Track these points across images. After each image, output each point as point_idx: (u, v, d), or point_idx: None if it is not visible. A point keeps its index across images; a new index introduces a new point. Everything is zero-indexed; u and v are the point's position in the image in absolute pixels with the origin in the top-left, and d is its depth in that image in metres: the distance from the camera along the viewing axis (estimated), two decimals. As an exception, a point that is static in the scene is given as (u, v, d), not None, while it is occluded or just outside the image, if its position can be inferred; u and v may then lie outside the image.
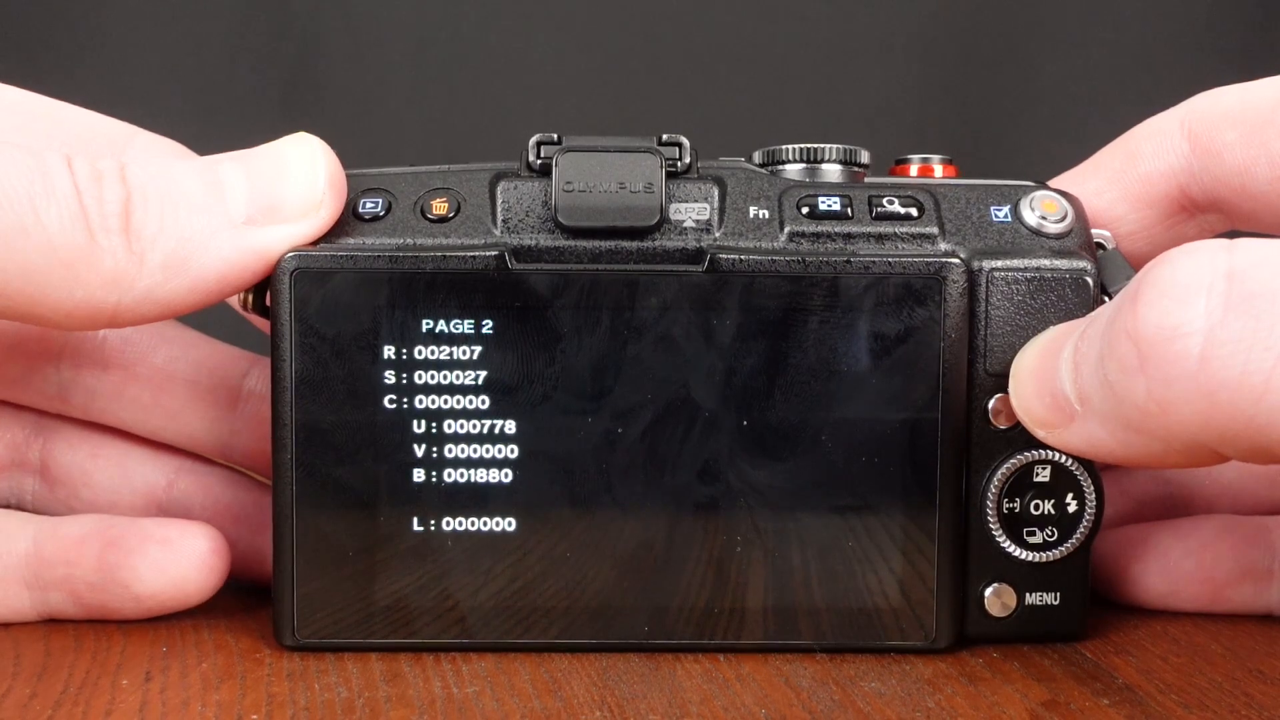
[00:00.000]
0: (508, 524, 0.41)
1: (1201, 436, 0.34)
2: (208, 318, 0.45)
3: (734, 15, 0.94)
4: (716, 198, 0.42)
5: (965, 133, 0.95)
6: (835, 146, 0.44)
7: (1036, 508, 0.42)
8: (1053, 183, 0.45)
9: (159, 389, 0.46)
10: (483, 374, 0.41)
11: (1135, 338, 0.34)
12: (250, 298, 0.42)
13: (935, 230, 0.42)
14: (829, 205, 0.42)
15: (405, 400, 0.41)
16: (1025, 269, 0.41)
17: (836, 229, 0.42)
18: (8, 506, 0.47)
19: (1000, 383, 0.41)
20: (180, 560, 0.43)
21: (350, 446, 0.41)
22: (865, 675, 0.41)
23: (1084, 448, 0.37)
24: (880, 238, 0.42)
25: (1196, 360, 0.33)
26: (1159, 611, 0.46)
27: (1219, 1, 0.95)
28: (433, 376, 0.41)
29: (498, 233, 0.42)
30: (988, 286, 0.41)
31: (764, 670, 0.41)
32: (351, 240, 0.41)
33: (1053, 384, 0.37)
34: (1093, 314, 0.37)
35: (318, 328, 0.41)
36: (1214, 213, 0.45)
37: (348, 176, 0.42)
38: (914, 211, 0.42)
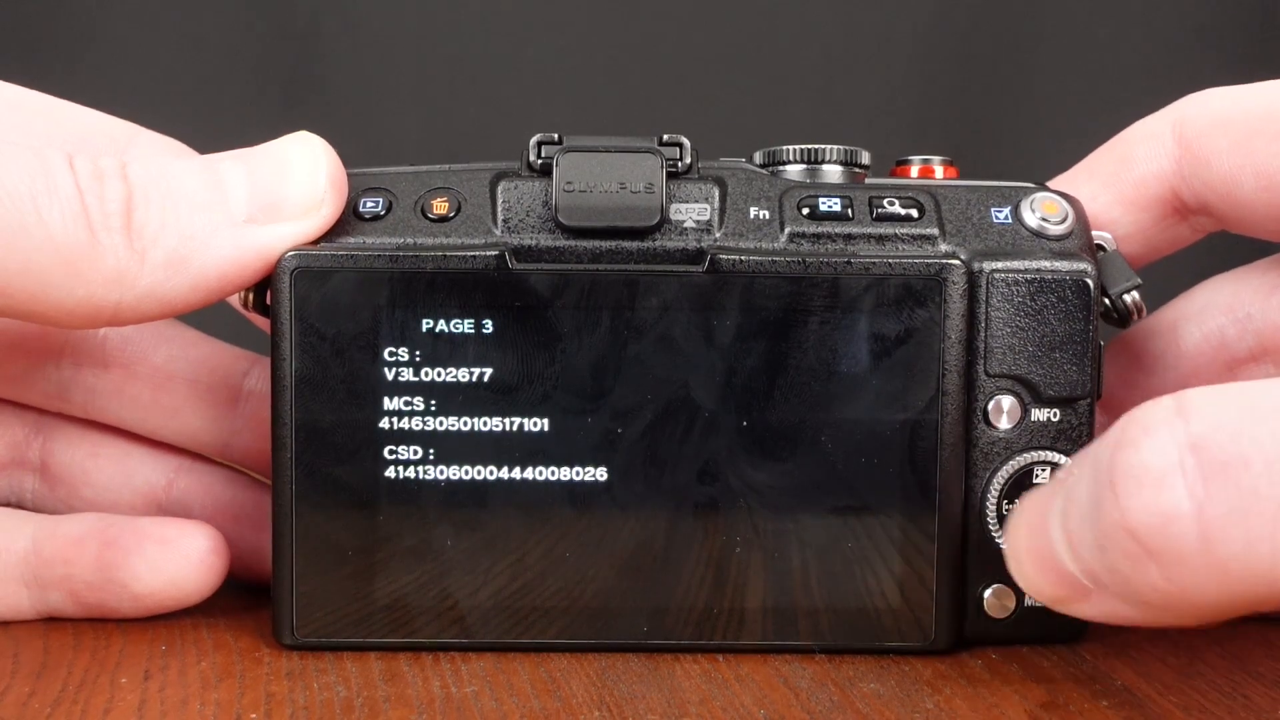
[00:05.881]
0: (508, 524, 0.41)
1: (1227, 605, 0.34)
2: (208, 317, 0.45)
3: (734, 15, 0.94)
4: (717, 198, 0.42)
5: (965, 133, 0.95)
6: (836, 147, 0.44)
7: (1036, 509, 0.42)
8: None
9: (159, 388, 0.46)
10: (483, 374, 0.41)
11: (1130, 530, 0.33)
12: (251, 296, 0.42)
13: (936, 231, 0.42)
14: (829, 206, 0.42)
15: (405, 400, 0.41)
16: (1025, 270, 0.41)
17: (837, 230, 0.42)
18: (7, 505, 0.47)
19: (1000, 384, 0.41)
20: (179, 560, 0.43)
21: (350, 446, 0.41)
22: (864, 676, 0.41)
23: (1108, 620, 0.36)
24: (881, 239, 0.42)
25: (1198, 541, 0.33)
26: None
27: (1218, 2, 0.95)
28: (432, 376, 0.41)
29: (498, 232, 0.42)
30: (988, 288, 0.41)
31: (763, 671, 0.41)
32: (352, 239, 0.41)
33: (1056, 565, 0.36)
34: (1064, 480, 0.36)
35: (318, 327, 0.41)
36: (1204, 215, 0.45)
37: (348, 176, 0.42)
38: (914, 213, 0.42)
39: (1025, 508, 0.38)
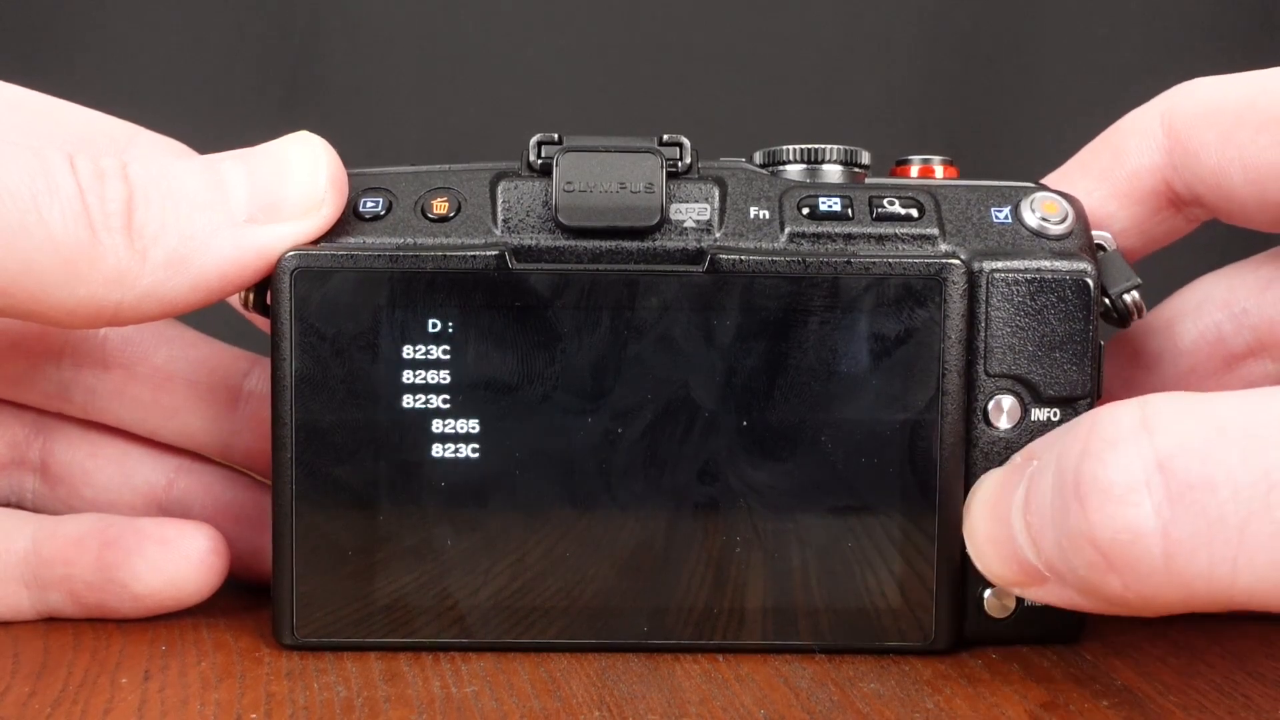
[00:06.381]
0: (507, 524, 0.41)
1: (1183, 610, 0.34)
2: (208, 318, 0.45)
3: (734, 15, 0.94)
4: (717, 198, 0.42)
5: (965, 133, 0.95)
6: (836, 147, 0.44)
7: (1036, 509, 0.42)
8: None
9: (159, 388, 0.46)
10: (483, 374, 0.41)
11: (1095, 543, 0.34)
12: (251, 296, 0.42)
13: (936, 231, 0.42)
14: (829, 206, 0.42)
15: (405, 399, 0.41)
16: (1025, 270, 0.41)
17: (837, 230, 0.42)
18: (7, 505, 0.47)
19: (1000, 383, 0.41)
20: (179, 560, 0.43)
21: (350, 446, 0.41)
22: (864, 676, 0.41)
23: (1061, 605, 0.37)
24: (881, 239, 0.42)
25: (1161, 559, 0.33)
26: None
27: (1218, 3, 0.95)
28: (433, 376, 0.41)
29: (498, 232, 0.42)
30: (988, 288, 0.41)
31: (763, 670, 0.41)
32: (352, 239, 0.41)
33: (1015, 551, 0.37)
34: (1023, 466, 0.37)
35: (318, 327, 0.41)
36: (1196, 206, 0.45)
37: (348, 175, 0.42)
38: (914, 212, 0.42)
39: (985, 491, 0.38)
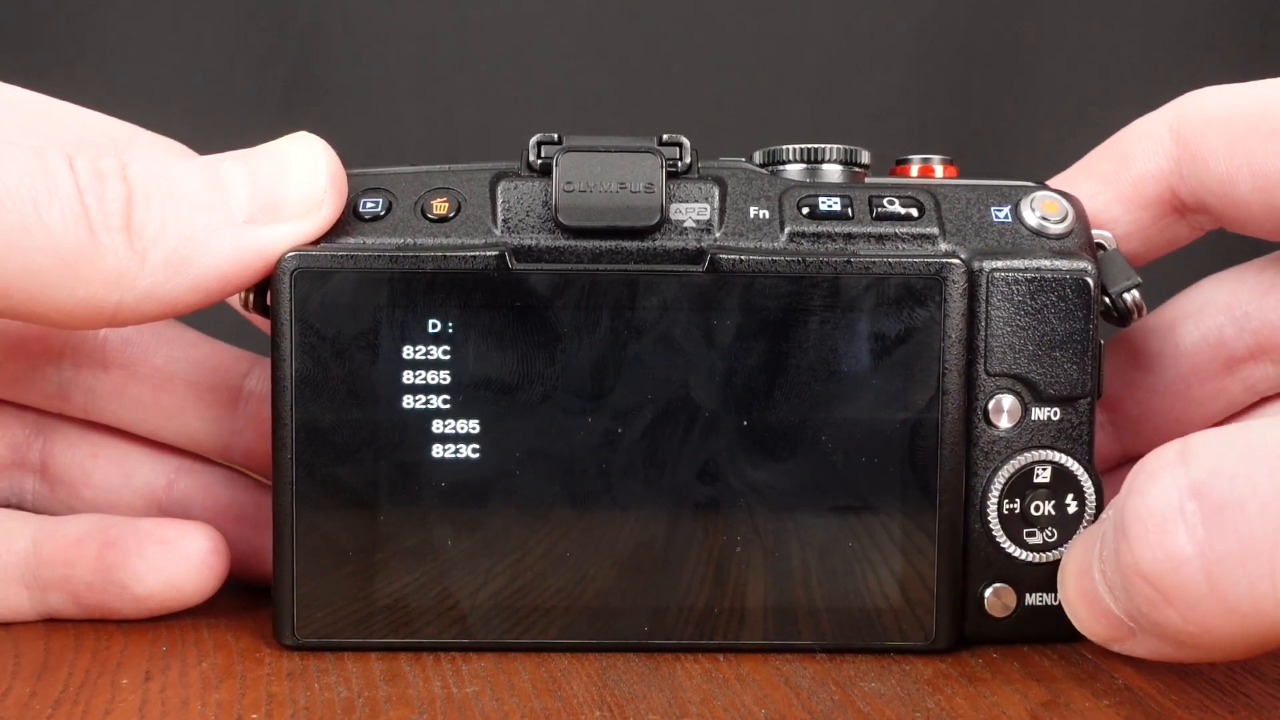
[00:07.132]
0: (508, 524, 0.41)
1: (1251, 643, 0.34)
2: (208, 318, 0.45)
3: (734, 15, 0.94)
4: (717, 198, 0.42)
5: (965, 133, 0.95)
6: (836, 147, 0.44)
7: (1036, 508, 0.42)
8: (1044, 185, 0.45)
9: (159, 389, 0.46)
10: (483, 374, 0.41)
11: (1143, 574, 0.34)
12: (251, 297, 0.42)
13: (936, 231, 0.42)
14: (829, 205, 0.42)
15: (405, 400, 0.41)
16: (1026, 269, 0.41)
17: (837, 229, 0.42)
18: (8, 506, 0.47)
19: (1001, 383, 0.42)
20: (179, 560, 0.43)
21: (350, 446, 0.41)
22: (865, 675, 0.41)
23: (1154, 658, 0.37)
24: (881, 238, 0.42)
25: (1205, 583, 0.33)
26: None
27: (1218, 2, 0.95)
28: (433, 376, 0.41)
29: (498, 232, 0.42)
30: (988, 287, 0.41)
31: (764, 670, 0.41)
32: (352, 240, 0.41)
33: (1102, 606, 0.37)
34: (1101, 527, 0.37)
35: (318, 327, 0.41)
36: (1202, 214, 0.45)
37: (348, 175, 0.42)
38: (914, 212, 0.42)
39: (1072, 551, 0.39)
